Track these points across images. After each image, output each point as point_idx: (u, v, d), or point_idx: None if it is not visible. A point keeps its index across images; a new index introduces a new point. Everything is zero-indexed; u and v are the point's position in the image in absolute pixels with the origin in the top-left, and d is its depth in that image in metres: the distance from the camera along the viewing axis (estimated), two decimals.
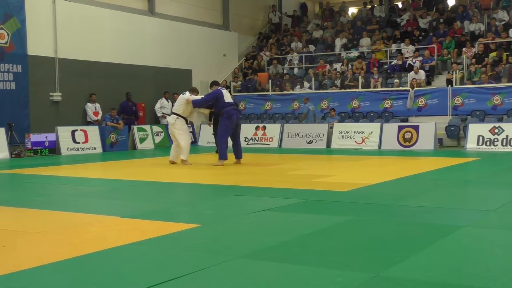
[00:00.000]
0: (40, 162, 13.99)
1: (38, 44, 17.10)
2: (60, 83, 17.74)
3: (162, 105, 20.53)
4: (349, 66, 21.76)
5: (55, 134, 16.58)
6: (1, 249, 4.81)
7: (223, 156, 12.25)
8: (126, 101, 19.27)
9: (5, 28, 16.26)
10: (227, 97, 12.40)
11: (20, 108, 16.62)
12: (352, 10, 29.57)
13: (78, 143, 17.06)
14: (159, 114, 20.49)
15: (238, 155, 12.58)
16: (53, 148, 16.47)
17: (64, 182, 10.11)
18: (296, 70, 23.64)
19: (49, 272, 4.08)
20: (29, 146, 15.95)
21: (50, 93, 17.56)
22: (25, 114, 16.73)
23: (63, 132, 16.75)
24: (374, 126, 17.74)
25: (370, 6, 26.49)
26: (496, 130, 16.01)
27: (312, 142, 18.33)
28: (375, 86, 20.26)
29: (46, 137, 16.35)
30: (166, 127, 19.90)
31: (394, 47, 22.23)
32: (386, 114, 19.28)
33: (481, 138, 16.15)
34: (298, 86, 22.01)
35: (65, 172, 11.87)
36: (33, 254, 4.67)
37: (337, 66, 22.26)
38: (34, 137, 16.09)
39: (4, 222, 6.16)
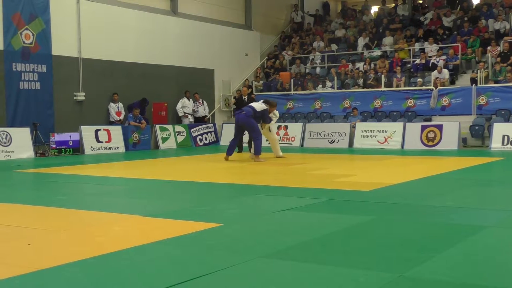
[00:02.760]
0: (64, 161, 14.14)
1: (62, 44, 17.28)
2: (83, 83, 17.92)
3: (183, 105, 20.57)
4: (372, 65, 21.62)
5: (78, 133, 16.73)
6: (26, 248, 4.86)
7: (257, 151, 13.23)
8: (140, 102, 19.03)
9: (30, 29, 16.47)
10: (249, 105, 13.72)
11: (45, 107, 16.82)
12: (375, 9, 29.38)
13: (102, 142, 17.20)
14: (180, 114, 20.52)
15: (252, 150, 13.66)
16: (77, 148, 16.63)
17: (88, 181, 10.20)
18: (318, 70, 23.57)
19: (72, 270, 4.11)
20: (54, 146, 16.13)
21: (74, 93, 17.74)
22: (49, 113, 16.93)
23: (87, 132, 16.91)
24: (397, 126, 17.61)
25: (393, 5, 26.28)
26: None
27: (334, 141, 18.26)
28: (398, 85, 20.11)
29: (70, 136, 16.52)
30: (188, 127, 20.01)
31: (417, 46, 22.04)
32: (409, 114, 19.12)
33: (506, 137, 15.94)
34: (320, 86, 21.94)
35: (88, 171, 11.99)
36: (57, 253, 4.72)
37: (360, 65, 22.14)
38: (58, 137, 16.27)
39: (29, 221, 6.24)
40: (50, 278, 3.95)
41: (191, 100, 20.74)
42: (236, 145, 13.81)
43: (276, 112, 14.32)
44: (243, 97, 15.86)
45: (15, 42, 16.15)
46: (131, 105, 18.65)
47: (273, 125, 14.59)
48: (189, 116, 20.57)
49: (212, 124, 21.07)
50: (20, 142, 15.30)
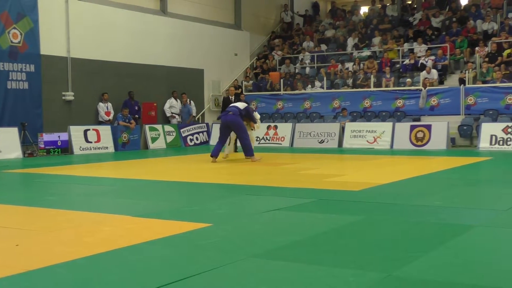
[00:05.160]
0: (52, 161, 14.07)
1: (51, 44, 17.19)
2: (72, 82, 17.83)
3: (171, 105, 20.51)
4: (361, 65, 21.68)
5: (67, 133, 16.66)
6: (14, 249, 4.84)
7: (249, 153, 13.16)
8: (129, 99, 19.06)
9: (18, 28, 16.36)
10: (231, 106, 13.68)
11: (33, 107, 16.72)
12: (365, 9, 29.47)
13: (91, 142, 17.13)
14: (168, 114, 20.45)
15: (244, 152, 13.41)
16: (66, 148, 16.55)
17: (77, 181, 10.15)
18: (307, 70, 23.60)
19: (61, 271, 4.09)
20: (42, 146, 16.04)
21: (63, 93, 17.64)
22: (38, 113, 16.83)
23: (76, 132, 16.83)
24: (386, 126, 17.67)
25: (380, 5, 26.38)
26: (509, 130, 15.89)
27: (323, 141, 18.30)
28: (387, 86, 20.18)
29: (59, 136, 16.43)
30: (177, 127, 19.96)
31: (406, 46, 22.13)
32: (398, 114, 19.20)
33: (494, 137, 16.05)
34: (309, 86, 21.97)
35: (77, 172, 11.93)
36: (46, 254, 4.69)
37: (349, 65, 22.18)
38: (47, 137, 16.18)
39: (17, 221, 6.20)
40: (38, 279, 3.93)
41: (178, 100, 20.69)
42: (221, 148, 13.40)
43: (257, 114, 14.18)
44: (230, 98, 15.86)
45: (3, 41, 16.03)
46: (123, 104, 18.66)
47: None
48: (177, 116, 20.52)
49: (205, 124, 21.03)
50: (8, 142, 15.19)
